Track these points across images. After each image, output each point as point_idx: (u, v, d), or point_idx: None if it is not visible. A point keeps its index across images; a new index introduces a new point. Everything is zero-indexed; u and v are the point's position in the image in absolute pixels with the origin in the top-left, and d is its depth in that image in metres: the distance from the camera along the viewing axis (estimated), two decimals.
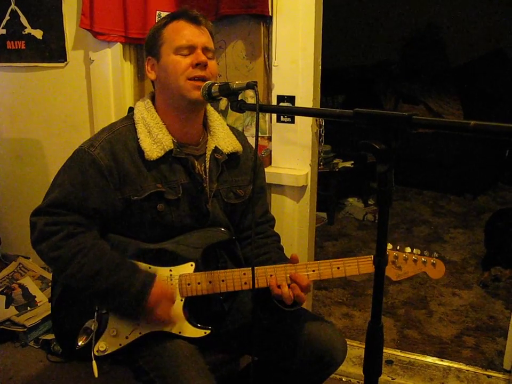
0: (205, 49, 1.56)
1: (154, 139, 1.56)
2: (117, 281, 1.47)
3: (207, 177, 1.65)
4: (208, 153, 1.66)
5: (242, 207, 1.77)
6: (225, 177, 1.70)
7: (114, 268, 1.48)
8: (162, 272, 1.57)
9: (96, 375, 1.52)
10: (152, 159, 1.54)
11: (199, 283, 1.56)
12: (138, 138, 1.56)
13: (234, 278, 1.56)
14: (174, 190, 1.58)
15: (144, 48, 1.67)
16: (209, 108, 1.75)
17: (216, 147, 1.67)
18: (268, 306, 1.62)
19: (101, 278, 1.47)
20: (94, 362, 1.53)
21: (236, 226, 1.77)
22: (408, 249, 1.55)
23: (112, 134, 1.58)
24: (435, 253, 1.56)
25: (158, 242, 1.60)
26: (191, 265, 1.58)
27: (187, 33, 1.55)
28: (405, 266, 1.55)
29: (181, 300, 1.56)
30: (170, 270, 1.57)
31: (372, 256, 1.52)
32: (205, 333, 1.56)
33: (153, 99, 1.67)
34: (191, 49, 1.54)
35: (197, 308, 1.60)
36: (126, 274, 1.48)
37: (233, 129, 1.81)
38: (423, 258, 1.54)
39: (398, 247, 1.55)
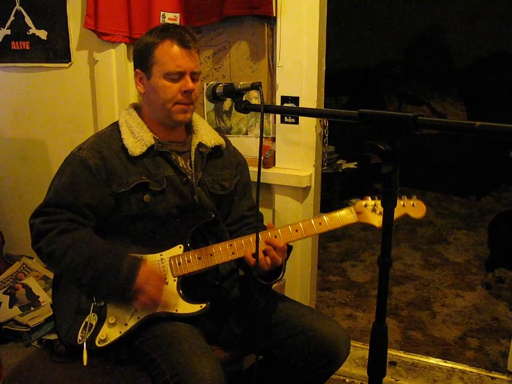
0: (193, 74, 1.68)
1: (137, 137, 1.69)
2: (106, 266, 1.55)
3: (193, 170, 1.75)
4: (193, 148, 1.78)
5: (229, 199, 1.86)
6: (210, 170, 1.80)
7: (103, 254, 1.57)
8: (153, 258, 1.65)
9: (85, 363, 1.55)
10: (135, 155, 1.66)
11: (189, 261, 1.63)
12: (122, 138, 1.69)
13: (221, 250, 1.63)
14: (158, 182, 1.68)
15: (133, 59, 1.78)
16: None
17: (200, 142, 1.79)
18: (259, 287, 1.69)
19: (92, 265, 1.55)
20: (85, 350, 1.56)
21: (223, 216, 1.85)
22: None
23: (99, 138, 1.73)
24: (414, 196, 1.60)
25: (147, 234, 1.69)
26: (180, 247, 1.66)
27: (178, 58, 1.65)
28: None
29: (174, 280, 1.62)
30: (161, 255, 1.66)
31: (351, 207, 1.62)
32: (201, 306, 1.61)
33: (137, 108, 1.81)
34: (180, 74, 1.66)
35: (192, 293, 1.65)
36: (115, 258, 1.57)
37: (216, 130, 1.92)
38: (402, 202, 1.60)
39: (376, 197, 1.60)
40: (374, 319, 1.13)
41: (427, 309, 3.08)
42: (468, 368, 2.45)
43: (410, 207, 1.59)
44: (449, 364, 2.48)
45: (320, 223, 1.61)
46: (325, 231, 1.62)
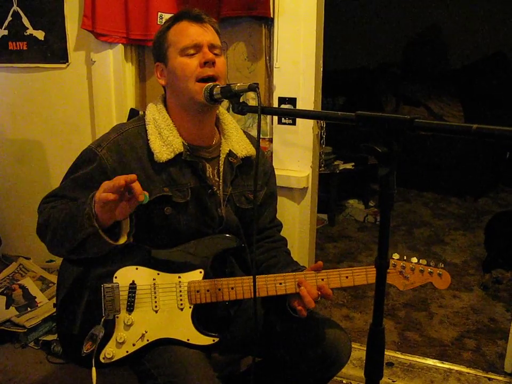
0: (211, 46, 1.56)
1: (165, 141, 1.56)
2: (76, 206, 1.44)
3: (221, 181, 1.64)
4: (223, 156, 1.65)
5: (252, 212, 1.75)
6: (238, 182, 1.70)
7: (70, 207, 1.47)
8: (171, 278, 1.55)
9: (94, 382, 1.48)
10: (161, 161, 1.54)
11: (208, 290, 1.55)
12: (149, 140, 1.57)
13: (243, 286, 1.55)
14: (182, 193, 1.57)
15: (152, 54, 1.67)
16: (223, 110, 1.76)
17: (230, 151, 1.67)
18: (280, 312, 1.63)
19: (67, 213, 1.46)
20: (93, 369, 1.49)
21: (244, 230, 1.75)
22: (414, 260, 1.56)
23: (121, 135, 1.59)
24: (441, 264, 1.56)
25: (166, 249, 1.59)
26: (200, 272, 1.56)
27: (191, 32, 1.55)
28: (412, 277, 1.55)
29: (190, 307, 1.55)
30: (179, 277, 1.56)
31: None
32: (213, 340, 1.55)
33: (164, 101, 1.67)
34: (197, 48, 1.54)
35: (202, 312, 1.58)
36: (76, 206, 1.45)
37: (245, 133, 1.80)
38: (429, 269, 1.55)
39: (404, 257, 1.56)
40: (371, 320, 1.13)
41: (424, 310, 3.08)
42: (464, 369, 2.45)
43: (437, 276, 1.54)
44: (446, 365, 2.48)
45: (346, 277, 1.56)
46: (349, 285, 1.59)
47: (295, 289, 1.55)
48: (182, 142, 1.58)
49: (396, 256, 1.57)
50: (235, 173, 1.67)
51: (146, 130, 1.59)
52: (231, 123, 1.74)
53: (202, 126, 1.64)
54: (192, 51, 1.54)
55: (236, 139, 1.70)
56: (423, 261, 1.56)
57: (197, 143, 1.63)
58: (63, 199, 1.57)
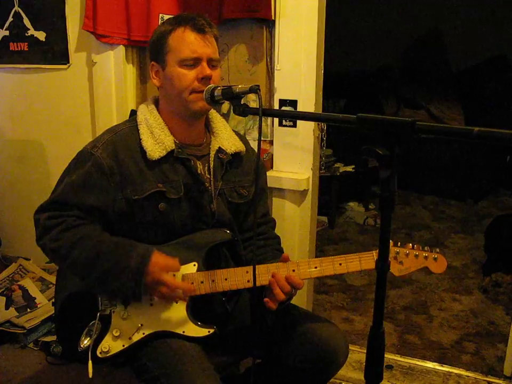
0: (210, 60, 1.59)
1: (157, 139, 1.59)
2: (115, 259, 1.49)
3: (211, 177, 1.68)
4: (212, 153, 1.69)
5: (245, 208, 1.79)
6: (229, 177, 1.73)
7: (112, 248, 1.51)
8: None
9: (90, 375, 1.52)
10: (154, 159, 1.58)
11: (202, 282, 1.57)
12: (141, 139, 1.60)
13: (237, 277, 1.57)
14: (175, 189, 1.60)
15: (148, 51, 1.70)
16: (212, 110, 1.78)
17: (220, 147, 1.70)
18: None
19: (100, 260, 1.49)
20: (90, 362, 1.52)
21: (238, 227, 1.78)
22: (409, 245, 1.56)
23: (115, 135, 1.62)
24: (437, 248, 1.56)
25: (160, 244, 1.61)
26: (194, 265, 1.59)
27: (192, 44, 1.56)
28: (407, 262, 1.56)
29: (185, 300, 1.57)
30: None
31: (373, 252, 1.56)
32: (209, 331, 1.57)
33: (156, 102, 1.71)
34: (196, 60, 1.57)
35: (200, 309, 1.60)
36: (123, 251, 1.51)
37: (234, 131, 1.84)
38: (424, 254, 1.55)
39: (399, 243, 1.57)
40: (371, 323, 1.13)
41: (424, 313, 3.08)
42: (464, 372, 2.45)
43: (432, 260, 1.54)
44: (445, 368, 2.48)
45: (340, 264, 1.58)
46: (343, 272, 1.60)
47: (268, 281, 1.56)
48: (174, 140, 1.62)
49: (390, 242, 1.56)
50: (225, 168, 1.71)
51: (138, 130, 1.63)
52: (220, 122, 1.79)
53: (193, 128, 1.69)
54: (191, 63, 1.57)
55: (225, 136, 1.74)
56: (418, 246, 1.57)
57: (187, 141, 1.67)
58: (65, 207, 1.56)
